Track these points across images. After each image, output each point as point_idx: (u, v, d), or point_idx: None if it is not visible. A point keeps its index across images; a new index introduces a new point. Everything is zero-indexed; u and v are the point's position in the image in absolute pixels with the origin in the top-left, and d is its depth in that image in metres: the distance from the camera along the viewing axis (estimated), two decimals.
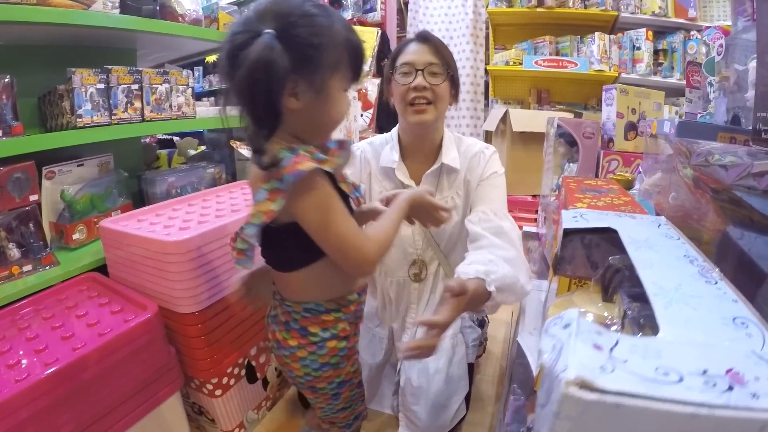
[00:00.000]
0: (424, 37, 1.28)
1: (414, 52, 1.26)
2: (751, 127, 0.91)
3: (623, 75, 3.61)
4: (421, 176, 1.34)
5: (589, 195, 0.95)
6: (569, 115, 3.34)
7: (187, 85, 1.76)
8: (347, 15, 3.81)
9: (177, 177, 1.78)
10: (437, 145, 1.35)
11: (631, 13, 3.58)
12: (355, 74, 0.85)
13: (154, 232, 1.19)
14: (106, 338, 1.04)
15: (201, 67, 4.43)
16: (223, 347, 1.27)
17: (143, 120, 1.62)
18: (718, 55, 1.16)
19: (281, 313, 0.92)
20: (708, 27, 1.60)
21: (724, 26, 1.56)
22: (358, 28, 3.53)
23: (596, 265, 0.63)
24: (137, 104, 1.59)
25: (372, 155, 1.40)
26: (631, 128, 1.86)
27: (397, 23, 4.07)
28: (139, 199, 1.84)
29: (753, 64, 0.99)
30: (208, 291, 1.19)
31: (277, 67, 0.69)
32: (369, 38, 3.52)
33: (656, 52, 3.63)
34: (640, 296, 0.48)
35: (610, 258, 0.57)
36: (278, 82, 0.71)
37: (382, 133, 3.22)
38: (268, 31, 0.70)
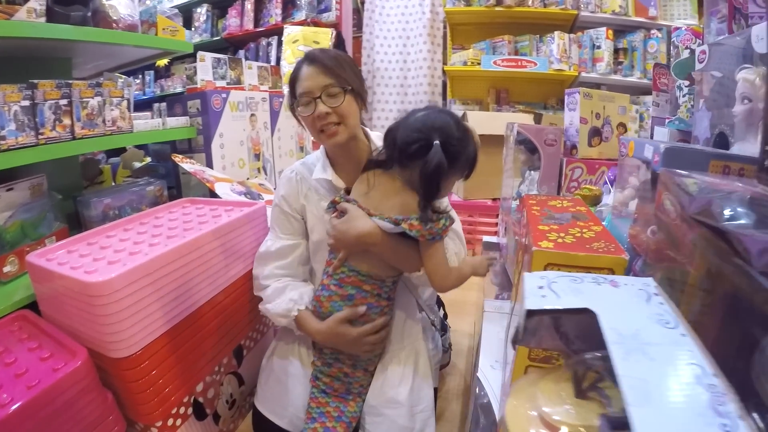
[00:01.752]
0: (312, 58, 1.25)
1: (307, 78, 1.23)
2: (746, 155, 0.86)
3: (583, 74, 3.61)
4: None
5: (554, 226, 0.86)
6: (529, 116, 3.31)
7: (122, 96, 1.63)
8: (301, 15, 3.69)
9: (114, 197, 1.64)
10: (366, 149, 1.34)
11: (591, 12, 3.57)
12: (468, 175, 1.16)
13: (80, 267, 1.06)
14: (34, 392, 0.92)
15: (152, 72, 4.27)
16: (164, 388, 1.15)
17: (74, 138, 1.48)
18: (700, 62, 1.09)
19: (371, 288, 1.19)
20: (677, 28, 1.53)
21: (695, 27, 1.51)
22: (311, 29, 3.42)
23: (567, 337, 0.52)
24: (66, 121, 1.45)
25: (307, 173, 1.37)
26: (596, 134, 1.81)
27: (353, 23, 3.97)
28: (76, 221, 1.70)
29: (742, 75, 0.92)
30: (142, 331, 1.07)
31: (445, 167, 1.03)
32: (323, 39, 3.41)
33: (616, 50, 3.64)
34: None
35: (586, 355, 0.47)
36: (444, 176, 1.05)
37: None
38: (436, 142, 1.03)
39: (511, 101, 4.07)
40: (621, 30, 3.65)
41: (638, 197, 0.97)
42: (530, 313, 0.48)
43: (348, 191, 1.24)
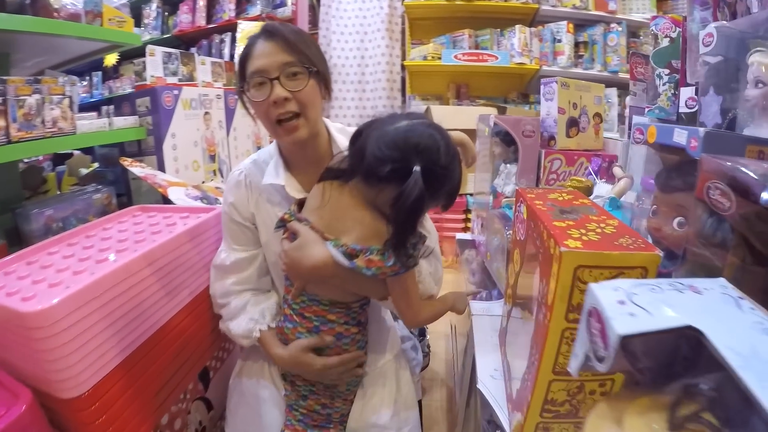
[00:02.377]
0: (271, 31, 1.04)
1: (263, 54, 1.02)
2: None
3: (544, 68, 3.62)
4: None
5: (569, 220, 0.77)
6: (493, 110, 3.26)
7: (64, 94, 1.45)
8: (255, 10, 3.55)
9: (56, 208, 1.45)
10: (326, 147, 1.16)
11: (552, 6, 3.59)
12: (446, 206, 0.99)
13: (16, 293, 0.88)
14: None
15: (100, 72, 4.01)
16: (125, 427, 0.98)
17: (9, 141, 1.30)
18: (705, 46, 1.03)
19: (336, 317, 1.04)
20: (656, 17, 1.51)
21: (675, 16, 1.48)
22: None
23: (635, 355, 0.42)
24: (0, 122, 1.28)
25: (258, 174, 1.17)
26: (573, 124, 1.74)
27: (309, 19, 3.84)
28: (16, 237, 1.51)
29: (756, 58, 0.86)
30: (94, 365, 0.91)
31: (424, 201, 0.84)
32: None
33: (576, 44, 3.66)
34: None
35: (700, 384, 0.37)
36: (422, 209, 0.88)
37: None
38: (417, 168, 0.84)
39: (471, 96, 4.04)
40: (581, 24, 3.67)
41: (659, 189, 0.89)
42: (625, 339, 0.37)
43: (301, 204, 1.06)
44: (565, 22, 3.55)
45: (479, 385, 1.02)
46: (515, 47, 3.57)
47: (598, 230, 0.73)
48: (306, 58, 1.03)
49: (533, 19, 3.76)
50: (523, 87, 3.99)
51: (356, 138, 0.96)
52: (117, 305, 0.97)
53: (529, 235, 0.88)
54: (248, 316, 1.15)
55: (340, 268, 0.93)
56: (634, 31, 3.73)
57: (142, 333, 1.05)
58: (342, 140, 1.14)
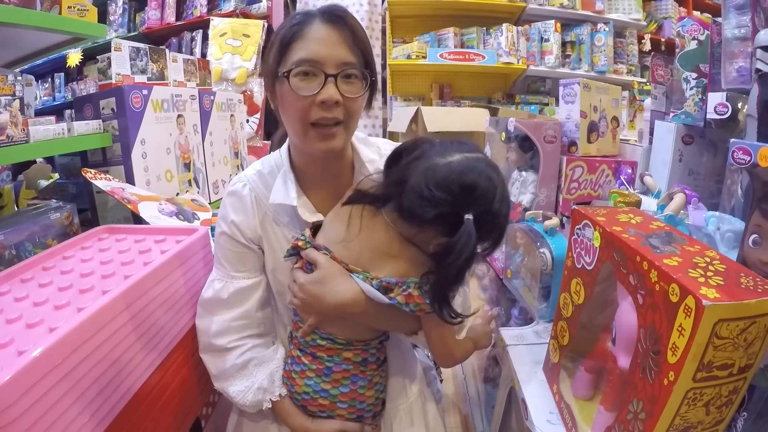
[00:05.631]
0: (337, 15, 0.86)
1: (322, 41, 0.84)
2: None
3: (531, 67, 3.56)
4: (330, 207, 0.95)
5: (673, 255, 0.63)
6: (485, 112, 3.13)
7: (13, 94, 1.21)
8: (229, 6, 3.36)
9: (8, 232, 1.19)
10: (349, 161, 1.00)
11: (539, 5, 3.53)
12: (487, 254, 0.85)
13: None
14: None
15: (62, 74, 3.73)
16: None
17: None
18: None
19: (353, 355, 0.91)
20: (683, 17, 1.45)
21: (703, 18, 1.43)
22: (240, 21, 3.15)
23: None
24: None
25: (264, 189, 0.97)
26: (593, 129, 1.60)
27: (284, 17, 3.64)
28: None
29: None
30: None
31: (474, 254, 0.74)
32: (254, 32, 3.11)
33: (563, 44, 3.62)
34: None
35: None
36: (473, 262, 0.76)
37: (270, 139, 2.76)
38: (469, 217, 0.73)
39: (455, 96, 3.93)
40: (567, 23, 3.63)
41: (761, 213, 0.74)
42: None
43: (316, 229, 0.92)
44: (552, 21, 3.49)
45: None
46: (502, 46, 3.48)
47: (712, 268, 0.60)
48: (366, 62, 0.89)
49: (519, 18, 3.69)
50: (507, 87, 3.90)
51: (394, 161, 0.84)
52: (86, 369, 0.75)
53: (616, 269, 0.71)
54: (255, 385, 0.95)
55: (371, 304, 0.82)
56: (619, 31, 3.69)
57: (120, 398, 0.83)
58: (366, 153, 0.99)
